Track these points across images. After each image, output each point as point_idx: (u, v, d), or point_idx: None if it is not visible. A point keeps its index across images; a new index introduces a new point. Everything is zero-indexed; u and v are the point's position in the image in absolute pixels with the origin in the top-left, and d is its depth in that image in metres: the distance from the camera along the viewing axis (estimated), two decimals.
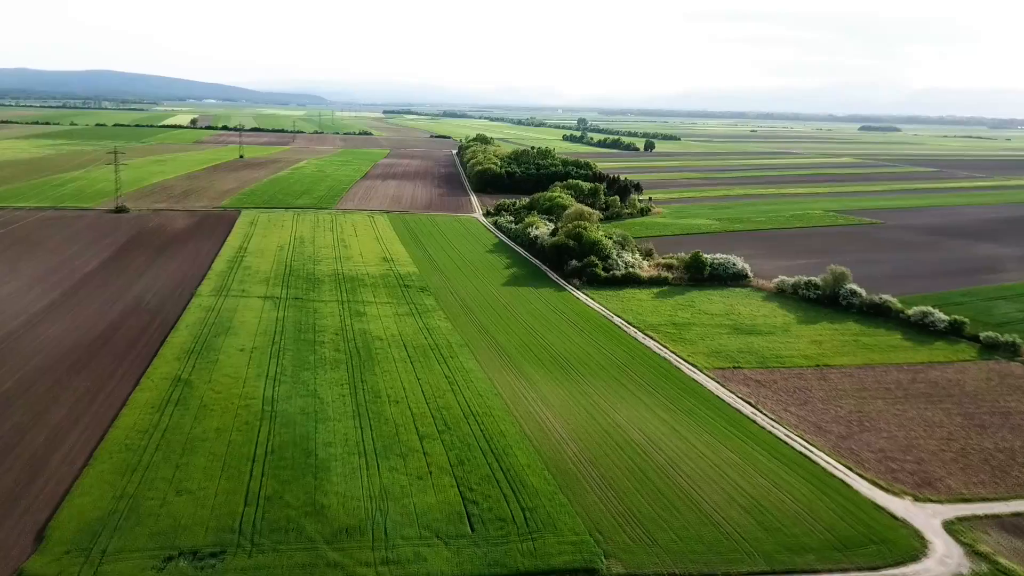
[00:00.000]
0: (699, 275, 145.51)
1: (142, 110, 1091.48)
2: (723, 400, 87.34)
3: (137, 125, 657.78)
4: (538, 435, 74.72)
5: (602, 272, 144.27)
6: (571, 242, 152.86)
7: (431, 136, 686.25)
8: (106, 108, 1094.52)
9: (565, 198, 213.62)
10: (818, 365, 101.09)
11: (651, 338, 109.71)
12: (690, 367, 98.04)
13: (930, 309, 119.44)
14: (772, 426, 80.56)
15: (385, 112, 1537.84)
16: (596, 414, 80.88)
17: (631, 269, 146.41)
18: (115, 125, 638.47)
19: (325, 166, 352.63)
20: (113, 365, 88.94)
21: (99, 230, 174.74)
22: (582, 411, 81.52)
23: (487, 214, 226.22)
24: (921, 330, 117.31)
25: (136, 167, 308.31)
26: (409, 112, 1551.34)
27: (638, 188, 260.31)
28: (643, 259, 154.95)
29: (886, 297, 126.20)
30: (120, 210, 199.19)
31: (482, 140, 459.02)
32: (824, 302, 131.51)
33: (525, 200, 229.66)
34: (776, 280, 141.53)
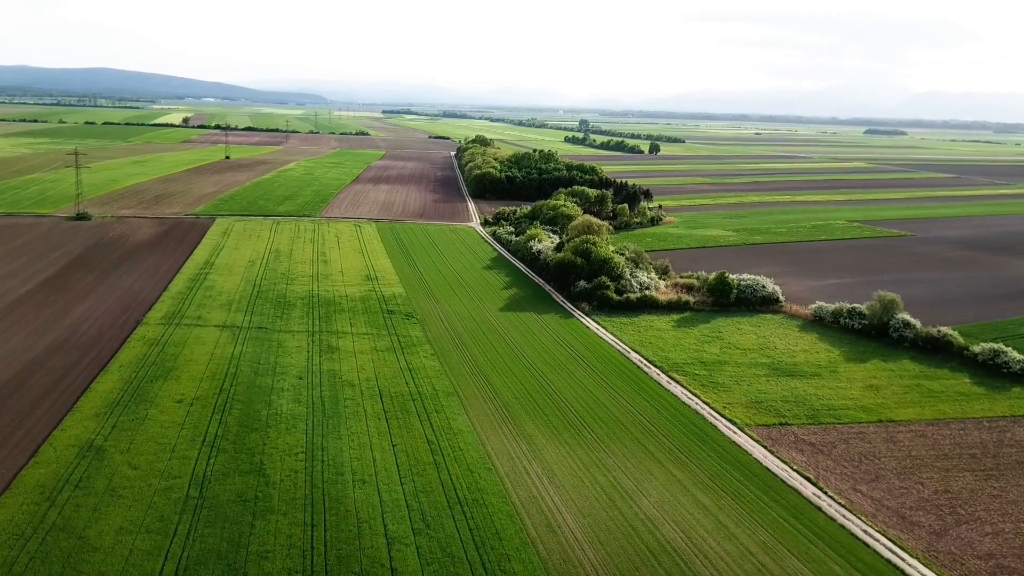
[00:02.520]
0: (724, 299, 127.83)
1: (138, 108, 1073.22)
2: (775, 475, 69.60)
3: (127, 123, 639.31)
4: (546, 536, 56.95)
5: (615, 295, 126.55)
6: (579, 259, 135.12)
7: (429, 137, 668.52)
8: (101, 106, 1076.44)
9: (570, 207, 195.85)
10: (880, 420, 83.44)
11: (677, 383, 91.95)
12: (728, 425, 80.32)
13: (1001, 347, 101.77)
14: (844, 516, 62.82)
15: (384, 112, 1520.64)
16: (619, 499, 63.12)
17: (647, 291, 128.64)
18: (104, 123, 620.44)
19: (315, 168, 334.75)
20: (12, 425, 71.18)
21: (50, 241, 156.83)
22: (601, 495, 63.75)
23: (485, 223, 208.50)
24: (991, 371, 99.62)
25: (112, 168, 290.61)
26: (408, 112, 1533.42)
27: (647, 195, 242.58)
28: (659, 278, 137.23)
29: (945, 330, 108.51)
30: (80, 217, 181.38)
31: (481, 142, 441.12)
32: (871, 334, 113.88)
33: (526, 208, 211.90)
34: (813, 306, 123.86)
